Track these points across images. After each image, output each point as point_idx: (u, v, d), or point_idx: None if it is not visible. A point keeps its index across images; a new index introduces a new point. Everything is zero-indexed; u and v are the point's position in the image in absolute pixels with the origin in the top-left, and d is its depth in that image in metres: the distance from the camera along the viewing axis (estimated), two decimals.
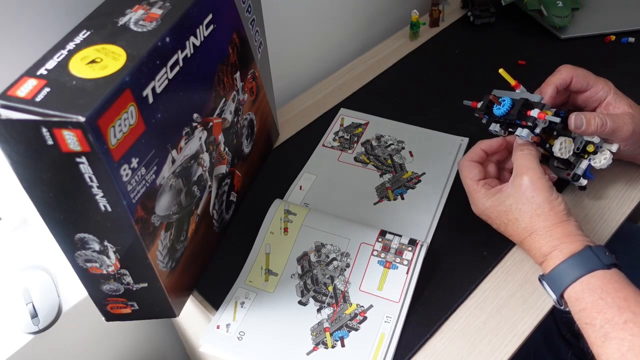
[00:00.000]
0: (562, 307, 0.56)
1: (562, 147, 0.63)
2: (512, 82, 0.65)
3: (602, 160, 0.64)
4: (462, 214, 0.68)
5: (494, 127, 0.67)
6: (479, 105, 0.66)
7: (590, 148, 0.64)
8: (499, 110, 0.62)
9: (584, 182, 0.66)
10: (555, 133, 0.64)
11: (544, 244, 0.57)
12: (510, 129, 0.65)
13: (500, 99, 0.63)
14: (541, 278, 0.57)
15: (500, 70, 0.65)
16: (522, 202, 0.58)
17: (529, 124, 0.61)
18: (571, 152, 0.64)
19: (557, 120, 0.60)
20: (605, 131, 0.62)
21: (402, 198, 0.71)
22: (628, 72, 0.67)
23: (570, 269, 0.54)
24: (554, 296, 0.56)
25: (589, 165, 0.65)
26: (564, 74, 0.66)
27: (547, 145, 0.64)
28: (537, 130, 0.61)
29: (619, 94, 0.66)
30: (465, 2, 1.03)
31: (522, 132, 0.62)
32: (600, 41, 0.94)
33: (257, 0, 0.64)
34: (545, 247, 0.56)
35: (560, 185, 0.70)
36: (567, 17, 0.93)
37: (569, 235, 0.56)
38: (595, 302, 0.51)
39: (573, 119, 0.62)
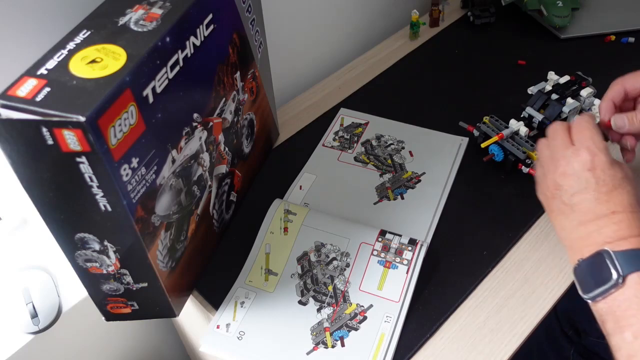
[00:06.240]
0: (616, 283, 0.49)
1: None
2: (496, 138, 0.71)
3: None
4: (462, 214, 0.68)
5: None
6: (475, 134, 0.75)
7: None
8: (497, 158, 0.72)
9: None
10: None
11: None
12: None
13: (489, 150, 0.72)
14: (610, 250, 0.50)
15: (483, 145, 0.72)
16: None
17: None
18: None
19: None
20: None
21: (402, 198, 0.71)
22: (628, 72, 0.67)
23: None
24: (616, 273, 0.49)
25: None
26: (614, 88, 0.63)
27: None
28: None
29: None
30: (465, 2, 1.03)
31: None
32: (600, 41, 0.94)
33: (257, 0, 0.64)
34: None
35: None
36: (567, 17, 0.93)
37: None
38: None
39: (613, 119, 0.60)
